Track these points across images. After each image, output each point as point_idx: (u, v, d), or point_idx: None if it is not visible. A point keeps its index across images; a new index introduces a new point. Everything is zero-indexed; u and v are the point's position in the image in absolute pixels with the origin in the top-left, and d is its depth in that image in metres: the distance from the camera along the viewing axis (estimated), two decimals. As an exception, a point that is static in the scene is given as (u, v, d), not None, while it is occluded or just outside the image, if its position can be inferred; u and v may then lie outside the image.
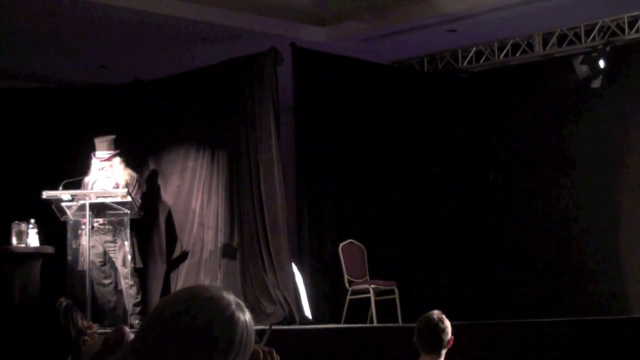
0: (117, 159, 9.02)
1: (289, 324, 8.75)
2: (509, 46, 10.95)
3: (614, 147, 10.28)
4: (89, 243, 8.49)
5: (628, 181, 10.15)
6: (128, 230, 8.68)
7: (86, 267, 8.49)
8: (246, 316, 1.74)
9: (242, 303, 1.76)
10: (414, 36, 10.42)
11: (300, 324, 8.77)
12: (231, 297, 1.74)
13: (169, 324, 1.69)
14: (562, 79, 10.53)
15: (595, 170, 10.28)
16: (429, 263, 10.35)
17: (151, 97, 10.38)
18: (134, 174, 9.19)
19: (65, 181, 8.53)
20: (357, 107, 10.30)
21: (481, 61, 11.20)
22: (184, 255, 9.75)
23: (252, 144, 9.52)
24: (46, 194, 8.37)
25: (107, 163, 8.97)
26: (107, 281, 8.96)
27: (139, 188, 9.14)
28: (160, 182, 10.07)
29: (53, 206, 8.47)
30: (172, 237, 9.89)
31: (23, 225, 8.36)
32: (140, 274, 9.16)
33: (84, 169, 9.11)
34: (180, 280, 9.67)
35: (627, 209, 10.12)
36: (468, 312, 8.81)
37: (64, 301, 3.38)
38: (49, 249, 8.54)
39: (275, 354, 2.25)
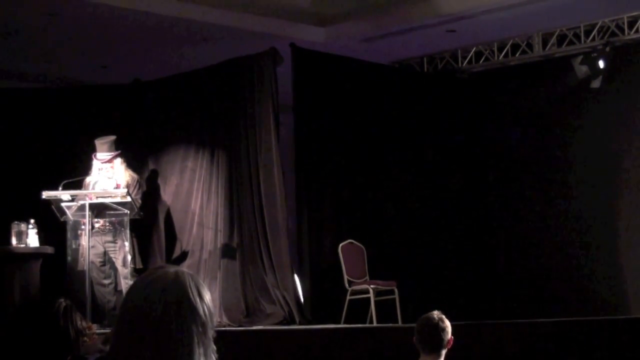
0: (119, 160, 9.03)
1: (288, 324, 8.75)
2: (508, 46, 10.95)
3: (613, 147, 10.27)
4: (89, 243, 8.49)
5: (628, 181, 10.15)
6: (128, 231, 8.68)
7: (86, 268, 8.49)
8: (206, 290, 1.87)
9: (195, 275, 1.88)
10: (414, 36, 10.42)
11: (300, 324, 8.77)
12: (188, 275, 1.86)
13: (143, 314, 1.79)
14: (562, 79, 10.53)
15: (595, 170, 10.28)
16: (429, 263, 10.35)
17: (151, 97, 10.38)
18: (135, 175, 9.20)
19: (65, 181, 8.53)
20: (357, 107, 10.30)
21: (481, 61, 11.21)
22: (183, 256, 9.75)
23: (252, 144, 9.52)
24: (46, 194, 8.37)
25: (108, 164, 8.98)
26: (106, 281, 8.96)
27: (139, 189, 9.15)
28: (159, 182, 10.07)
29: (53, 206, 8.47)
30: (171, 237, 9.89)
31: (23, 226, 8.36)
32: (140, 275, 9.14)
33: (85, 169, 9.11)
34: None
35: (627, 208, 10.12)
36: (468, 312, 8.81)
37: (63, 302, 3.37)
38: (49, 249, 8.54)
39: None
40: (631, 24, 10.10)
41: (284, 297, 9.02)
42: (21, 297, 8.10)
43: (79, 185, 8.89)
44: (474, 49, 11.15)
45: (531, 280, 10.51)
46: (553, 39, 10.68)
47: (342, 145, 10.12)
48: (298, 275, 9.38)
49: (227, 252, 9.50)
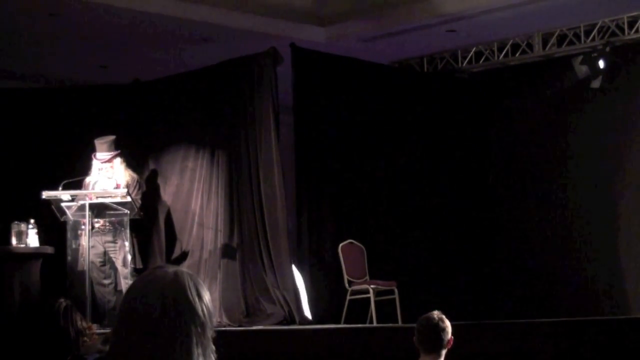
0: (118, 160, 9.03)
1: (288, 324, 8.75)
2: (508, 46, 10.95)
3: (613, 147, 10.27)
4: (89, 243, 8.49)
5: (628, 181, 10.15)
6: (128, 231, 8.68)
7: (86, 268, 8.49)
8: (206, 291, 1.87)
9: (195, 275, 1.88)
10: (414, 36, 10.42)
11: (300, 324, 8.77)
12: (187, 275, 1.85)
13: (142, 314, 1.79)
14: (562, 79, 10.53)
15: (594, 170, 10.28)
16: (429, 263, 10.35)
17: (151, 97, 10.37)
18: (135, 175, 9.20)
19: (65, 181, 8.53)
20: (357, 107, 10.30)
21: (481, 61, 11.20)
22: (183, 256, 9.75)
23: (252, 144, 9.52)
24: (46, 194, 8.37)
25: (108, 164, 8.98)
26: (106, 281, 8.97)
27: (139, 189, 9.15)
28: (159, 182, 10.07)
29: (53, 206, 8.47)
30: (171, 237, 9.88)
31: (23, 226, 8.36)
32: (140, 274, 9.13)
33: (84, 169, 9.11)
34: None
35: (627, 208, 10.12)
36: (468, 312, 8.81)
37: (63, 302, 3.38)
38: (49, 249, 8.54)
39: None
40: (631, 24, 10.10)
41: (284, 297, 9.01)
42: (21, 297, 8.10)
43: (79, 185, 8.89)
44: (474, 49, 11.14)
45: (531, 280, 10.51)
46: (553, 39, 10.68)
47: (342, 145, 10.12)
48: (298, 276, 9.37)
49: (227, 252, 9.50)
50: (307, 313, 9.10)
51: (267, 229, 9.30)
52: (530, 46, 10.85)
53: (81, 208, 8.41)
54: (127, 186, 8.89)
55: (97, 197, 8.58)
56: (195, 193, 9.84)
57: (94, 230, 8.62)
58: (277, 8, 10.06)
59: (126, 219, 8.65)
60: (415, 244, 10.38)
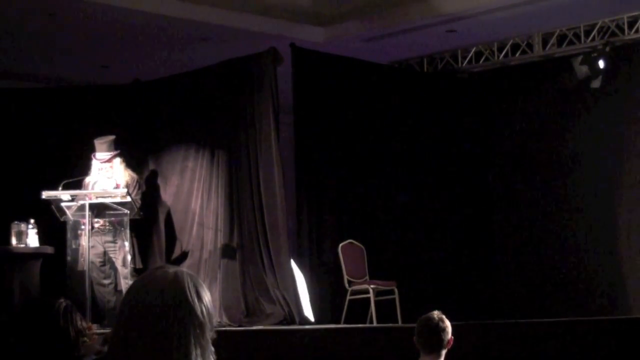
0: (118, 160, 9.04)
1: (288, 324, 8.75)
2: (508, 46, 10.95)
3: (613, 147, 10.28)
4: (89, 243, 8.49)
5: (628, 181, 10.15)
6: (128, 231, 8.68)
7: (86, 268, 8.49)
8: (206, 291, 1.87)
9: (195, 275, 1.88)
10: (414, 36, 10.42)
11: (300, 324, 8.77)
12: (187, 276, 1.86)
13: (141, 315, 1.79)
14: (562, 79, 10.53)
15: (594, 170, 10.28)
16: (429, 263, 10.35)
17: (151, 97, 10.38)
18: (135, 175, 9.20)
19: (65, 181, 8.53)
20: (357, 107, 10.30)
21: (481, 61, 11.20)
22: (183, 256, 9.75)
23: (252, 144, 9.51)
24: (46, 194, 8.37)
25: (108, 164, 8.98)
26: (106, 281, 8.97)
27: (139, 189, 9.15)
28: (160, 182, 10.07)
29: (53, 206, 8.47)
30: (171, 237, 9.88)
31: (23, 226, 8.36)
32: (140, 274, 9.12)
33: (84, 169, 9.11)
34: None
35: (627, 208, 10.12)
36: (468, 312, 8.81)
37: (63, 302, 3.37)
38: (49, 249, 8.54)
39: None
40: (631, 24, 10.10)
41: (284, 297, 9.01)
42: (21, 297, 8.10)
43: (78, 185, 8.89)
44: (474, 49, 11.14)
45: (531, 280, 10.51)
46: (553, 39, 10.68)
47: (342, 145, 10.12)
48: (299, 275, 9.36)
49: (227, 252, 9.50)
50: (309, 313, 9.10)
51: (267, 229, 9.30)
52: (530, 46, 10.85)
53: (81, 208, 8.41)
54: (127, 186, 8.90)
55: (97, 197, 8.58)
56: (195, 193, 9.84)
57: (93, 230, 8.63)
58: (277, 8, 10.06)
59: (126, 219, 8.65)
60: (415, 244, 10.38)
